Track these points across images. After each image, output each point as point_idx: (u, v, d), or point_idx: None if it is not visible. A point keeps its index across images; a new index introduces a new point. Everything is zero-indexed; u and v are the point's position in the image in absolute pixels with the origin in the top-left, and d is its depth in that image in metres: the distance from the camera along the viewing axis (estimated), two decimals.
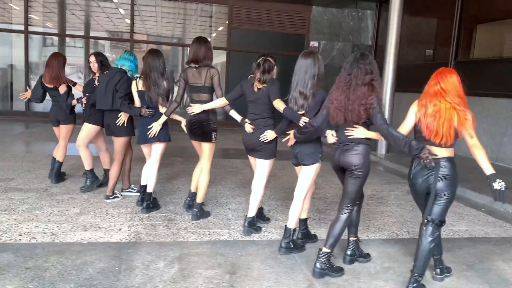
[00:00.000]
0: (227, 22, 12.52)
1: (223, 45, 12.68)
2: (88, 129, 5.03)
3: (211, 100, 4.24)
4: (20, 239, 3.64)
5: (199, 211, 4.40)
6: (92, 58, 5.13)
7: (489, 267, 3.66)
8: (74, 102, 5.24)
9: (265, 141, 3.88)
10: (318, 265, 3.24)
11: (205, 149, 4.32)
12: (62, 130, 5.41)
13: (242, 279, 3.18)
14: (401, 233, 4.41)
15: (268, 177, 4.11)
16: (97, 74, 5.09)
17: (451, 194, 2.99)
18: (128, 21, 12.76)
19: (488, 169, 2.90)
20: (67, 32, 12.81)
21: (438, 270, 3.36)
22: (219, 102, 4.16)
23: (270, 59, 3.91)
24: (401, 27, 8.63)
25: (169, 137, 4.50)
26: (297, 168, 3.84)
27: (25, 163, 6.37)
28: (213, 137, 4.28)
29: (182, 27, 13.59)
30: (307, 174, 3.62)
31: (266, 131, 3.89)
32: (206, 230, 4.13)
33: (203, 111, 4.21)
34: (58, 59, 5.30)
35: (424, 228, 3.04)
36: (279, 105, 3.66)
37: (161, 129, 4.41)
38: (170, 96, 4.48)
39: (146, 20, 13.28)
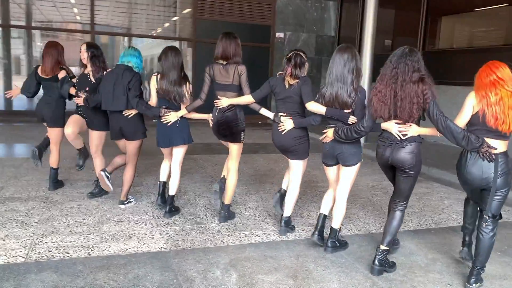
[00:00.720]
0: (192, 12, 12.19)
1: (188, 36, 12.38)
2: (99, 137, 4.65)
3: None
4: (52, 256, 3.34)
5: (227, 213, 4.27)
6: (83, 47, 4.66)
7: None
8: (72, 90, 4.73)
9: (283, 131, 3.83)
10: (377, 262, 3.26)
11: (234, 150, 4.18)
12: (51, 135, 4.97)
13: (307, 282, 3.13)
14: (423, 223, 4.55)
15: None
16: (89, 67, 4.66)
17: (509, 190, 3.09)
18: (76, 10, 12.08)
19: None
20: (12, 23, 11.84)
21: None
22: (246, 99, 4.01)
23: (302, 53, 3.82)
24: (377, 18, 8.82)
25: (191, 138, 4.31)
26: (330, 168, 3.75)
27: (7, 169, 5.85)
28: (241, 137, 4.15)
29: (145, 17, 13.03)
30: (351, 174, 3.59)
31: (284, 119, 3.82)
32: (240, 232, 4.02)
33: (231, 110, 4.07)
34: (56, 47, 4.88)
35: (484, 224, 3.10)
36: (317, 108, 3.57)
37: (184, 129, 4.21)
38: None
39: (104, 10, 12.57)
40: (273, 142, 4.03)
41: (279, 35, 12.89)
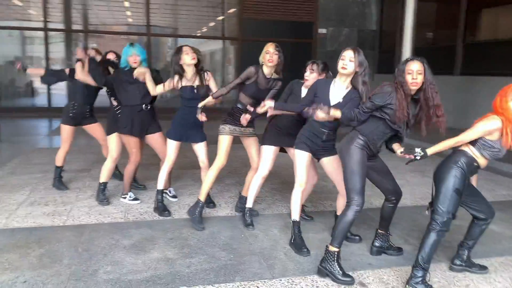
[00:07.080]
0: (238, 10, 12.99)
1: (234, 35, 13.25)
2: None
3: None
4: (144, 218, 4.23)
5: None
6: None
7: None
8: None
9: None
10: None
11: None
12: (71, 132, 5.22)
13: None
14: None
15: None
16: None
17: None
18: (130, 13, 13.19)
19: None
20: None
21: None
22: None
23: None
24: (417, 11, 9.26)
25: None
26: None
27: (89, 155, 6.86)
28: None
29: (190, 17, 13.93)
30: None
31: None
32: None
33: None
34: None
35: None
36: None
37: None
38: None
39: (157, 12, 13.54)
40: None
41: (322, 31, 13.47)
